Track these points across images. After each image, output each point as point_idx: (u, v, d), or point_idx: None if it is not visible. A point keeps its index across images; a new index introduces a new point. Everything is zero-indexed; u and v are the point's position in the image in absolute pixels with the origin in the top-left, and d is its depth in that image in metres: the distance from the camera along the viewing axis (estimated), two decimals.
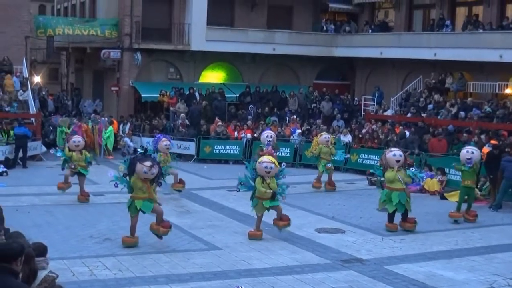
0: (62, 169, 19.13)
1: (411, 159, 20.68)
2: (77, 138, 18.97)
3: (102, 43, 32.95)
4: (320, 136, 21.94)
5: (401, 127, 26.25)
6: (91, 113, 31.74)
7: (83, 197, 18.50)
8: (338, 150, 21.86)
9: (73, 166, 18.34)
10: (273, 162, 14.67)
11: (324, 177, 21.57)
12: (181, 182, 19.82)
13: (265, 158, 14.86)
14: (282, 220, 14.85)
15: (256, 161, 14.97)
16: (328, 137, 21.61)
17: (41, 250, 7.15)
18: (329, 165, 21.32)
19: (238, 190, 15.66)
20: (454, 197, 19.02)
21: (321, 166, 21.39)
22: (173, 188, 19.62)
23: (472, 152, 17.34)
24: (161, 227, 13.75)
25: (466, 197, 17.36)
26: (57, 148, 20.86)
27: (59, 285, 7.19)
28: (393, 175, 15.69)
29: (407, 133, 25.25)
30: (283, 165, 15.49)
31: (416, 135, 24.97)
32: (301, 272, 12.32)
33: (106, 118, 29.44)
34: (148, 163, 13.43)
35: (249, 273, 12.16)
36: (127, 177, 13.82)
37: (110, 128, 28.67)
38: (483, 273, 12.48)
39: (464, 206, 17.35)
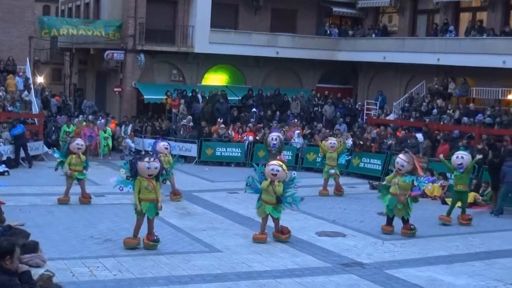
0: (56, 169, 19.03)
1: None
2: (80, 141, 18.85)
3: (105, 44, 32.98)
4: (327, 141, 21.88)
5: (403, 132, 26.25)
6: (90, 114, 31.89)
7: (85, 199, 18.39)
8: (342, 154, 21.82)
9: (68, 173, 18.27)
10: (281, 166, 14.68)
11: (331, 182, 21.45)
12: (177, 193, 19.60)
13: (273, 161, 14.92)
14: (283, 233, 14.84)
15: (264, 165, 15.01)
16: (335, 143, 21.51)
17: (32, 246, 7.13)
18: (333, 171, 21.22)
19: (245, 191, 15.74)
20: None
21: (325, 173, 21.33)
22: (171, 199, 19.47)
23: (462, 157, 17.46)
24: (146, 239, 13.70)
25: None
26: (55, 148, 20.78)
27: (57, 284, 7.19)
28: (391, 178, 15.89)
29: (420, 137, 25.14)
30: (294, 173, 15.43)
31: (415, 140, 24.99)
32: (302, 275, 12.29)
33: (104, 120, 29.53)
34: (147, 159, 13.61)
35: (249, 276, 12.14)
36: (131, 179, 13.81)
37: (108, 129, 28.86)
38: (484, 279, 12.45)
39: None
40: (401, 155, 16.08)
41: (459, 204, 17.71)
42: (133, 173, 13.65)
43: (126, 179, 13.87)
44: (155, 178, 13.77)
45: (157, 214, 13.91)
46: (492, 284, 12.11)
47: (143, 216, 13.71)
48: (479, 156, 19.11)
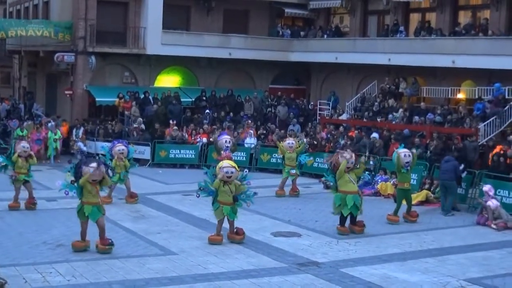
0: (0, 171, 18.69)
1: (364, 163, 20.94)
2: (26, 144, 18.45)
3: (55, 47, 32.46)
4: (284, 141, 21.90)
5: (356, 131, 26.47)
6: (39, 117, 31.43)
7: (29, 204, 18.07)
8: (302, 154, 21.89)
9: (13, 177, 17.90)
10: (234, 167, 14.68)
11: (288, 182, 21.46)
12: (133, 196, 19.47)
13: (226, 163, 14.85)
14: (238, 234, 14.83)
15: (216, 167, 14.91)
16: (293, 143, 21.52)
17: None
18: (293, 171, 21.27)
19: (198, 196, 15.42)
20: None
21: (285, 172, 21.33)
22: (127, 202, 19.32)
23: (410, 156, 17.71)
24: (100, 244, 13.58)
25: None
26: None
27: None
28: (345, 178, 15.85)
29: (377, 135, 25.37)
30: (246, 171, 15.46)
31: (368, 139, 25.24)
32: (258, 276, 12.32)
33: (54, 122, 29.12)
34: (93, 165, 13.51)
35: (205, 278, 12.10)
36: (76, 184, 13.67)
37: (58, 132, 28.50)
38: (437, 275, 12.66)
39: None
40: (346, 153, 16.25)
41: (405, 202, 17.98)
42: (78, 178, 13.58)
43: (71, 183, 13.79)
44: (100, 183, 13.70)
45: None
46: (444, 280, 12.32)
47: (87, 220, 13.63)
48: (418, 150, 19.47)
